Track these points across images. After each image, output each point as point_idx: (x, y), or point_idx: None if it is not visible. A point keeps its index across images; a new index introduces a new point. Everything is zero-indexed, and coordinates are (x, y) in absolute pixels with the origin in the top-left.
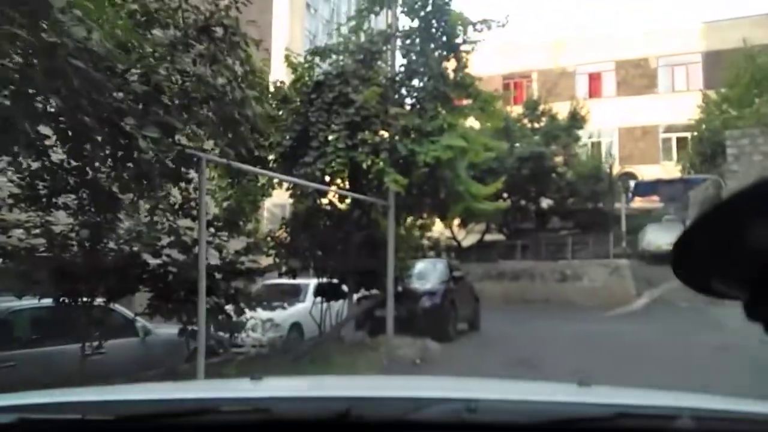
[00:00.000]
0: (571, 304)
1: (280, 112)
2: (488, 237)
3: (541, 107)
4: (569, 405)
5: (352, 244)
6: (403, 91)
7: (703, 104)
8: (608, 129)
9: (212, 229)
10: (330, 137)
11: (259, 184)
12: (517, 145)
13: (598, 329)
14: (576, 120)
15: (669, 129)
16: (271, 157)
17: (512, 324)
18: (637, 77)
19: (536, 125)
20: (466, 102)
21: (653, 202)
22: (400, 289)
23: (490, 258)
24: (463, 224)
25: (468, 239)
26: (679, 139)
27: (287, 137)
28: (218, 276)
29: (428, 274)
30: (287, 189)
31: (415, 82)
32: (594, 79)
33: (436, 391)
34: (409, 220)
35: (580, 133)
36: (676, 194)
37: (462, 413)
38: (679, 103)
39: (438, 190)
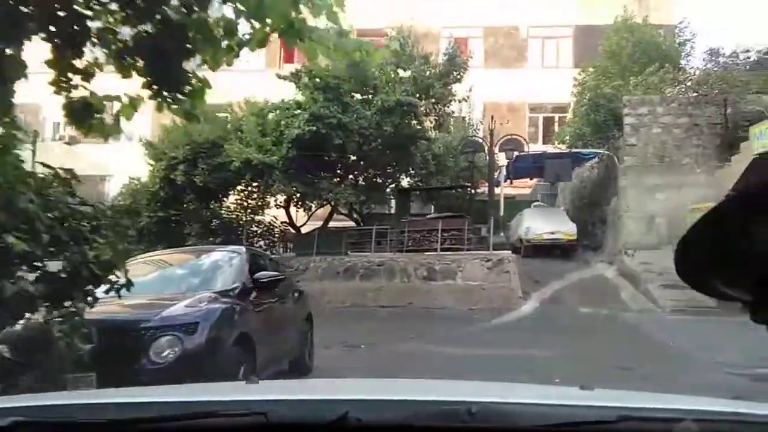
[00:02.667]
0: (443, 309)
1: None
2: (334, 223)
3: (410, 49)
4: (571, 408)
5: None
6: None
7: (583, 74)
8: (473, 103)
9: None
10: None
11: None
12: (376, 98)
13: (484, 354)
14: (454, 65)
15: (536, 108)
16: None
17: (363, 351)
18: (506, 48)
19: (403, 73)
20: None
21: (518, 186)
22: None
23: (337, 249)
24: (302, 202)
25: (310, 226)
26: (546, 119)
27: None
28: None
29: (188, 280)
30: None
31: None
32: (460, 45)
33: (435, 395)
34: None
35: (457, 88)
36: (563, 172)
37: (462, 416)
38: (549, 81)
39: None
